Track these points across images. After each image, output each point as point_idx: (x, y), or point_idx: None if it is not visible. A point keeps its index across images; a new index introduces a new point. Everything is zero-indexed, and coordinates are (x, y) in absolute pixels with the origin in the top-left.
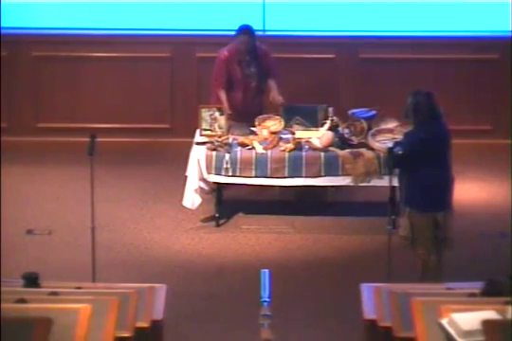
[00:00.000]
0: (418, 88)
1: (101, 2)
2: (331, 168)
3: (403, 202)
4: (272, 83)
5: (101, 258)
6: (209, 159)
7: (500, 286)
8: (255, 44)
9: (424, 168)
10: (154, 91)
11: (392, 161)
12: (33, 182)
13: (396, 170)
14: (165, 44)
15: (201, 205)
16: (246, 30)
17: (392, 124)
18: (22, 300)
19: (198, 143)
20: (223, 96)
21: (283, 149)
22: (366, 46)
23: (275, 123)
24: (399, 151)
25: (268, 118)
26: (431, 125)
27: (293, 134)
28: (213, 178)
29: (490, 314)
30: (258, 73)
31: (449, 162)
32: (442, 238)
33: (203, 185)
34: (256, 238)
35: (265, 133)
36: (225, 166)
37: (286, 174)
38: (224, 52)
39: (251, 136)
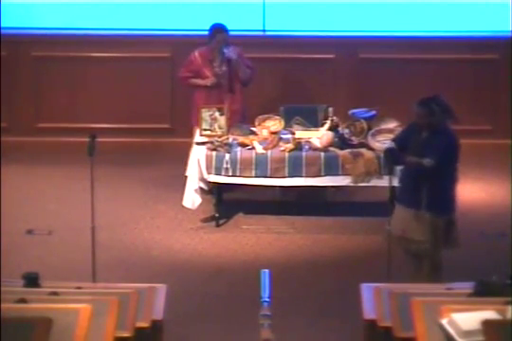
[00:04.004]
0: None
1: (101, 2)
2: (331, 168)
3: (423, 207)
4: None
5: (101, 258)
6: (209, 159)
7: (490, 286)
8: (229, 42)
9: (449, 172)
10: (154, 91)
11: (423, 173)
12: (33, 182)
13: (397, 170)
14: (165, 44)
15: (201, 205)
16: (220, 29)
17: (392, 124)
18: (22, 300)
19: (198, 143)
20: (195, 81)
21: (283, 149)
22: (366, 46)
23: (275, 123)
24: (429, 163)
25: (268, 118)
26: (451, 128)
27: (293, 134)
28: (213, 178)
29: (490, 314)
30: (229, 73)
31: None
32: (454, 237)
33: (203, 185)
34: (256, 238)
35: (265, 133)
36: (225, 166)
37: (286, 174)
38: (195, 53)
39: (251, 136)
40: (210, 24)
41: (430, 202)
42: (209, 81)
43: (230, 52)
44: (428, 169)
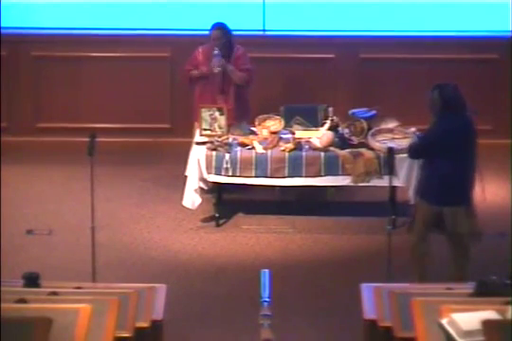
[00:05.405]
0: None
1: (101, 2)
2: (331, 168)
3: (415, 190)
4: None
5: (101, 258)
6: (209, 159)
7: (490, 286)
8: (229, 40)
9: (440, 160)
10: (154, 91)
11: (408, 150)
12: (33, 182)
13: (397, 170)
14: (165, 44)
15: (201, 205)
16: (217, 26)
17: (392, 124)
18: (22, 300)
19: (198, 143)
20: (194, 72)
21: (283, 149)
22: (366, 46)
23: (275, 123)
24: (412, 142)
25: (268, 118)
26: (455, 118)
27: (293, 133)
28: (213, 178)
29: (490, 314)
30: (223, 74)
31: (471, 159)
32: (450, 234)
33: (203, 185)
34: (256, 238)
35: (265, 133)
36: (225, 166)
37: (286, 174)
38: (199, 49)
39: (251, 136)
40: (210, 24)
41: (419, 186)
42: (204, 69)
43: (215, 62)
44: (410, 148)
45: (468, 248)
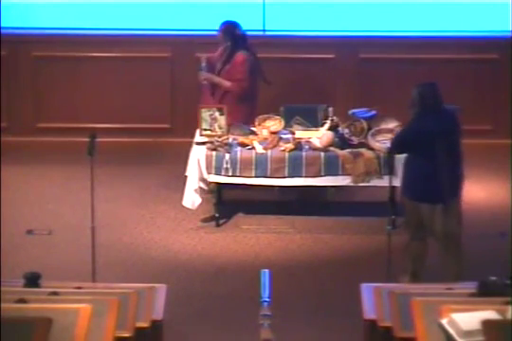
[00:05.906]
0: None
1: (101, 2)
2: (331, 168)
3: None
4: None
5: (101, 258)
6: (209, 159)
7: (490, 286)
8: (232, 43)
9: (416, 157)
10: (154, 91)
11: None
12: (33, 182)
13: (397, 170)
14: (165, 44)
15: (201, 205)
16: (220, 28)
17: (392, 124)
18: (22, 300)
19: (198, 143)
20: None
21: (283, 149)
22: (366, 46)
23: (275, 123)
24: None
25: (268, 118)
26: (432, 117)
27: (293, 134)
28: (213, 178)
29: (490, 314)
30: (218, 73)
31: (453, 157)
32: (429, 231)
33: (203, 185)
34: (256, 238)
35: (265, 133)
36: (225, 166)
37: (286, 174)
38: (218, 49)
39: (251, 136)
40: (210, 24)
41: (402, 181)
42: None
43: (200, 76)
44: (390, 143)
45: (457, 246)
